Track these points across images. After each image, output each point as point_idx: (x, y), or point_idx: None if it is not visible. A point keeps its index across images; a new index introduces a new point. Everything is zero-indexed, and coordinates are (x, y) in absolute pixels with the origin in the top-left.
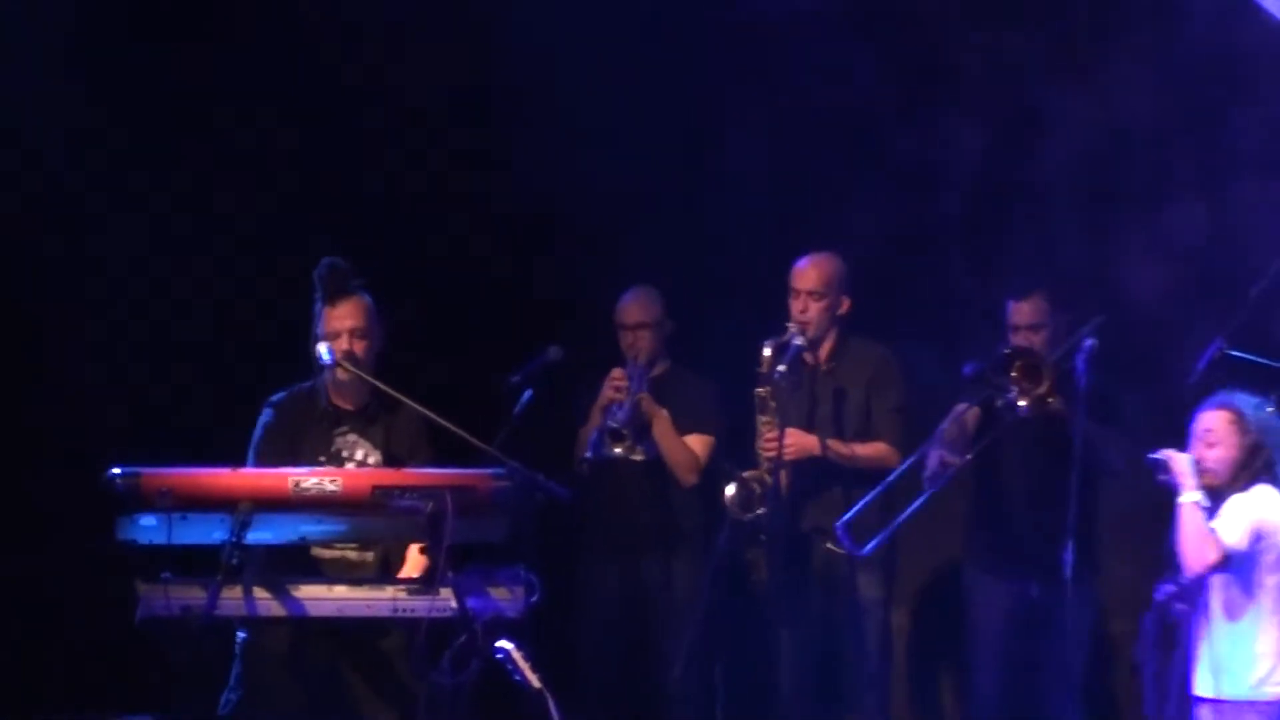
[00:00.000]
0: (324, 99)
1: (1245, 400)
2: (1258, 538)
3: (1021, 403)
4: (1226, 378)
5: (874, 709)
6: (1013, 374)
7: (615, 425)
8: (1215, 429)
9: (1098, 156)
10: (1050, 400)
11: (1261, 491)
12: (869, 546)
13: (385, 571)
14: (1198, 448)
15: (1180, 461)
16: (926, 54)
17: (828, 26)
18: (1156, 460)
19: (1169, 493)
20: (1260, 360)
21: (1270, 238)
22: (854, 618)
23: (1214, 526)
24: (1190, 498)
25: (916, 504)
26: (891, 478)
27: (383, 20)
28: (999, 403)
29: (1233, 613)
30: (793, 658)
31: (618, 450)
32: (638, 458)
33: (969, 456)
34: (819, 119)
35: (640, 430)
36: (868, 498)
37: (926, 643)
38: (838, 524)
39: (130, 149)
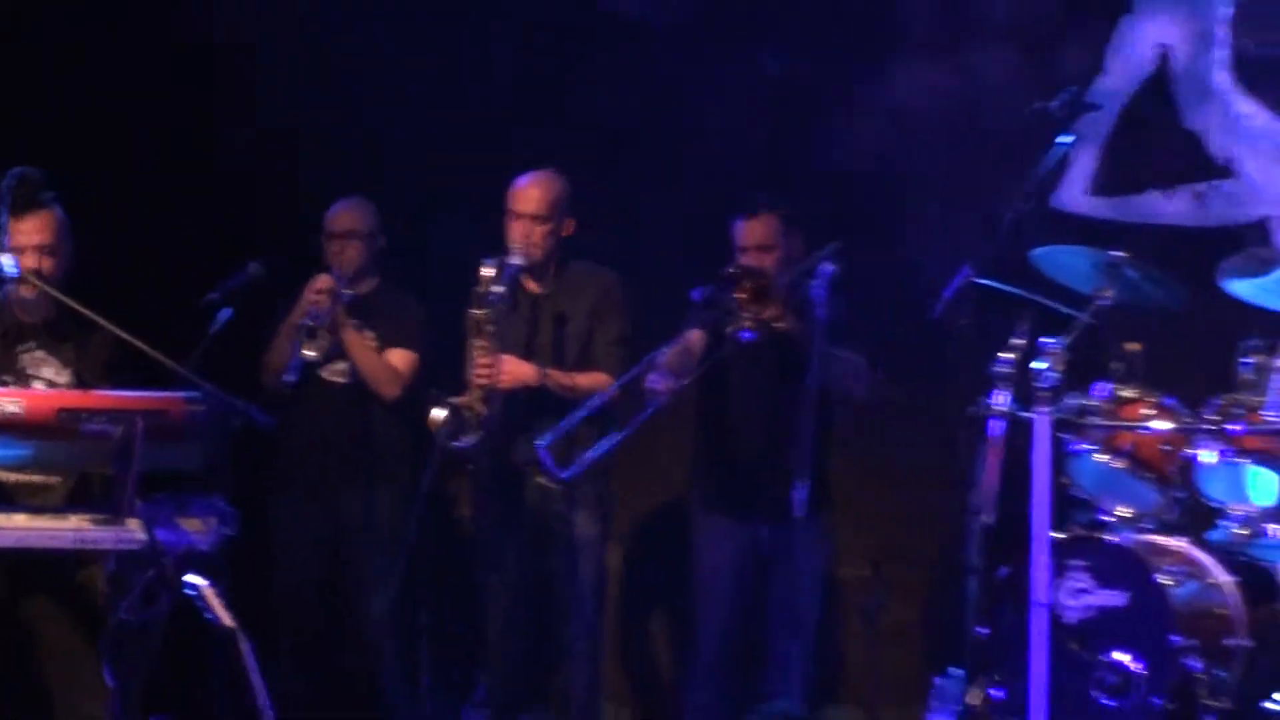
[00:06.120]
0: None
1: None
2: None
3: (750, 326)
4: (974, 306)
5: (588, 654)
6: (739, 295)
7: (311, 323)
8: None
9: None
10: (780, 325)
11: None
12: (573, 469)
13: (75, 498)
14: None
15: None
16: None
17: None
18: None
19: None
20: (1008, 289)
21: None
22: (569, 557)
23: None
24: None
25: (631, 428)
26: (602, 398)
27: None
28: (728, 330)
29: None
30: (501, 600)
31: (312, 353)
32: (339, 380)
33: (685, 382)
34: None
35: (338, 338)
36: (574, 418)
37: (641, 584)
38: (539, 445)
39: None
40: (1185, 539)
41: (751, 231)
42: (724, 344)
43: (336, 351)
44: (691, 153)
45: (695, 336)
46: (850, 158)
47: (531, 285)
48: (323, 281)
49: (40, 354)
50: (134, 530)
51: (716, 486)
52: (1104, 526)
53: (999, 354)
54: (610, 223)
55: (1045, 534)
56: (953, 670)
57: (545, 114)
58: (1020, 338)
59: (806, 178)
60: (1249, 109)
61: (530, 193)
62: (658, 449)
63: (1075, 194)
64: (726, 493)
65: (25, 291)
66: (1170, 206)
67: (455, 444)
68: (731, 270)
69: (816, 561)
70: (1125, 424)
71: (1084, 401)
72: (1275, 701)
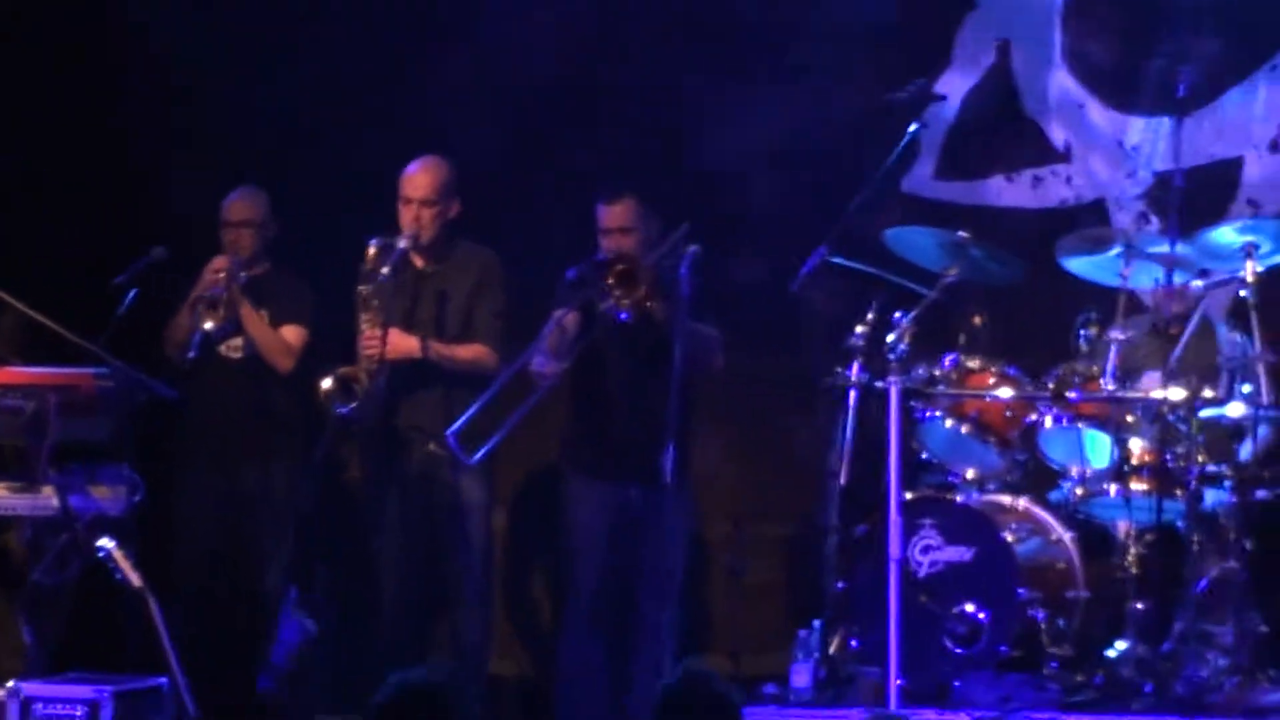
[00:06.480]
0: None
1: None
2: None
3: (622, 306)
4: (829, 283)
5: (479, 610)
6: (609, 279)
7: (209, 295)
8: None
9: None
10: (650, 304)
11: None
12: (479, 454)
13: None
14: None
15: None
16: None
17: None
18: None
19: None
20: (860, 267)
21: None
22: (457, 521)
23: None
24: None
25: (524, 408)
26: (497, 385)
27: None
28: (601, 307)
29: None
30: (393, 561)
31: (210, 324)
32: (235, 355)
33: (566, 364)
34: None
35: (235, 314)
36: (477, 405)
37: (524, 544)
38: (448, 433)
39: None
40: (1028, 498)
41: (612, 215)
42: (597, 322)
43: (233, 328)
44: (575, 141)
45: (570, 319)
46: (713, 145)
47: (419, 262)
48: (220, 262)
49: None
50: (49, 497)
51: (590, 453)
52: (952, 487)
53: (853, 328)
54: (497, 208)
55: (898, 495)
56: (814, 622)
57: (434, 105)
58: (873, 313)
59: (672, 165)
60: (1083, 99)
61: (419, 179)
62: (539, 420)
63: (924, 178)
64: (599, 458)
65: None
66: (1012, 190)
67: (338, 408)
68: (603, 257)
69: (683, 524)
70: (971, 392)
71: (932, 371)
72: (1113, 648)
